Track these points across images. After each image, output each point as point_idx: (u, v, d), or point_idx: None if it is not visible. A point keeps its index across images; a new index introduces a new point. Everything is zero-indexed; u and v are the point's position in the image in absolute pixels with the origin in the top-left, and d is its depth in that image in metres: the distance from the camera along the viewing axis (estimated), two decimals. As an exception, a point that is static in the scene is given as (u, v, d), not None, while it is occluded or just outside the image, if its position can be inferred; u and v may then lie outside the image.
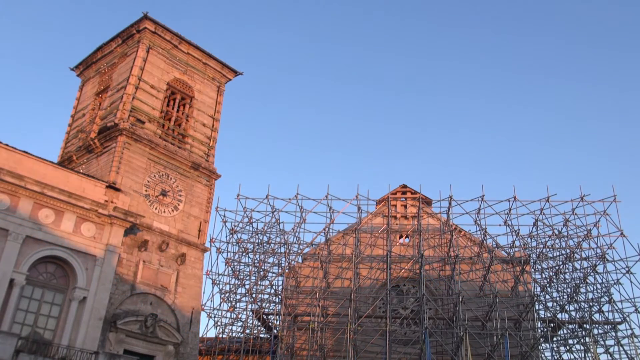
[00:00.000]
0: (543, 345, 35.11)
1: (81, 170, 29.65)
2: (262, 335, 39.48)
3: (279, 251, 37.94)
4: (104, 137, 30.16)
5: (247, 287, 38.08)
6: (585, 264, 34.81)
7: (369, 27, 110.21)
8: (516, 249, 36.39)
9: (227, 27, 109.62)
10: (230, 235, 37.50)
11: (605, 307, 33.54)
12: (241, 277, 38.09)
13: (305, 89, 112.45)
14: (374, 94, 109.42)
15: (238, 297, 38.06)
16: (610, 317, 33.03)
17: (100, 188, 27.03)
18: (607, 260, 33.52)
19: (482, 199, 34.76)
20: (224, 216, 37.24)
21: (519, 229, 35.48)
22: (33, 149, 26.94)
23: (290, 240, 37.12)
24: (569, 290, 35.46)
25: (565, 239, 35.08)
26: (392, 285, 34.99)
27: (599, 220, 34.00)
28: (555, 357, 34.87)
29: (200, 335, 32.74)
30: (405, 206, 40.10)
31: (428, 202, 38.90)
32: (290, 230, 37.33)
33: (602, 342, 33.06)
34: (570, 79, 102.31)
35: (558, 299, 36.18)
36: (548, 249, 36.01)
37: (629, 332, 32.31)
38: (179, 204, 30.94)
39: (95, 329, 24.73)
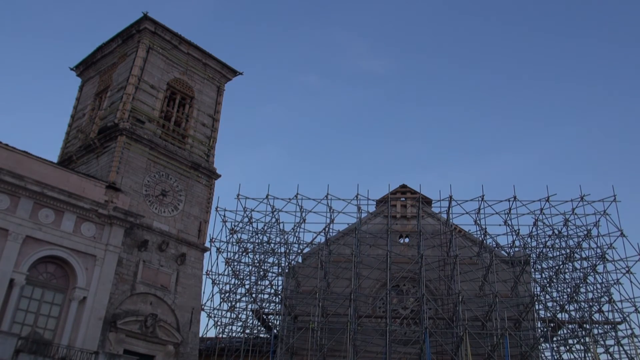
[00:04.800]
0: (543, 345, 35.09)
1: (81, 171, 29.65)
2: (262, 335, 39.48)
3: (279, 251, 37.94)
4: (104, 137, 30.16)
5: (247, 287, 38.08)
6: (585, 264, 34.80)
7: (368, 26, 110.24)
8: (516, 249, 36.37)
9: (227, 27, 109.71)
10: (230, 235, 37.50)
11: (605, 307, 33.54)
12: (241, 277, 38.07)
13: (305, 89, 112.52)
14: (373, 93, 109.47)
15: (238, 297, 38.09)
16: (610, 317, 33.01)
17: (100, 188, 27.04)
18: (607, 260, 33.48)
19: (482, 199, 34.74)
20: (224, 216, 37.24)
21: (519, 229, 35.46)
22: (33, 149, 26.96)
23: (290, 240, 37.12)
24: (569, 290, 35.44)
25: (565, 239, 35.06)
26: (392, 285, 34.96)
27: (599, 220, 33.98)
28: (555, 357, 34.85)
29: (200, 335, 32.74)
30: (405, 206, 40.06)
31: (428, 202, 38.86)
32: (290, 230, 37.31)
33: (602, 342, 33.04)
34: (570, 78, 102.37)
35: (558, 299, 36.16)
36: (548, 249, 35.99)
37: (629, 332, 32.32)
38: (179, 204, 30.94)
39: (95, 328, 24.75)
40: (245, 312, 38.44)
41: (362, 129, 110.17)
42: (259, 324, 39.35)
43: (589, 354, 32.17)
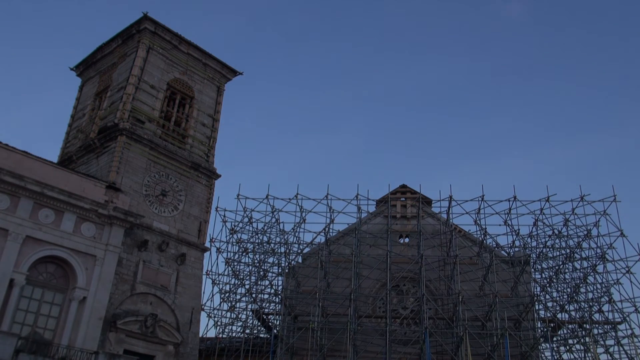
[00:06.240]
0: (543, 345, 35.07)
1: (81, 171, 29.65)
2: (262, 335, 39.47)
3: (279, 251, 37.91)
4: (104, 137, 30.17)
5: (247, 287, 38.07)
6: (585, 264, 34.77)
7: (367, 26, 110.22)
8: (516, 249, 36.35)
9: (227, 27, 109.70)
10: (230, 235, 37.45)
11: (605, 307, 33.50)
12: (241, 277, 38.04)
13: (306, 89, 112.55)
14: (373, 93, 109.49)
15: (238, 297, 38.07)
16: (610, 317, 32.99)
17: (100, 188, 27.05)
18: (607, 260, 33.45)
19: (482, 199, 34.70)
20: (224, 216, 37.18)
21: (519, 229, 35.42)
22: (33, 149, 26.97)
23: (290, 240, 37.09)
24: (569, 290, 35.42)
25: (565, 239, 35.01)
26: (392, 285, 34.94)
27: (599, 220, 33.93)
28: (555, 357, 34.84)
29: (200, 335, 32.73)
30: (405, 206, 40.04)
31: (428, 202, 38.83)
32: (290, 230, 37.26)
33: (602, 342, 33.03)
34: (570, 78, 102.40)
35: (558, 299, 36.14)
36: (548, 249, 35.96)
37: (629, 332, 32.29)
38: (178, 204, 30.94)
39: (95, 328, 24.76)
40: (245, 312, 38.46)
41: (361, 128, 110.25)
42: (259, 324, 39.33)
43: (589, 354, 32.15)
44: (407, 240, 39.11)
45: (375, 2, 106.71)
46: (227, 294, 37.49)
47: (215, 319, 36.97)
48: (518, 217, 35.18)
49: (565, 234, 34.85)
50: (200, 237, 31.45)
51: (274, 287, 38.83)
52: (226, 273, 37.57)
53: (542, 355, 34.80)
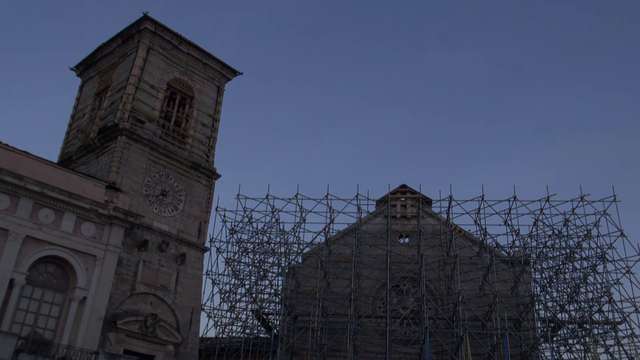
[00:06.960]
0: (543, 345, 35.09)
1: (81, 171, 29.66)
2: (262, 335, 39.48)
3: (279, 251, 37.92)
4: (104, 137, 30.18)
5: (247, 287, 38.09)
6: (585, 263, 34.80)
7: (367, 26, 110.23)
8: (516, 249, 36.37)
9: (227, 27, 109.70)
10: (230, 235, 37.49)
11: (605, 307, 33.53)
12: (241, 277, 38.08)
13: (305, 89, 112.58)
14: (373, 93, 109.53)
15: (238, 297, 38.09)
16: (610, 317, 33.01)
17: (100, 188, 27.05)
18: (607, 260, 33.48)
19: (482, 199, 34.72)
20: (224, 216, 37.21)
21: (519, 229, 35.46)
22: (33, 149, 26.96)
23: (290, 240, 37.12)
24: (569, 290, 35.45)
25: (565, 238, 35.05)
26: (392, 285, 34.95)
27: (599, 220, 33.97)
28: (555, 357, 34.86)
29: (200, 335, 32.74)
30: (405, 206, 40.04)
31: (428, 202, 38.83)
32: (290, 230, 37.29)
33: (602, 342, 33.05)
34: (570, 78, 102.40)
35: (558, 299, 36.16)
36: (548, 249, 35.98)
37: (629, 332, 32.31)
38: (178, 204, 30.95)
39: (95, 328, 24.76)
40: (245, 312, 38.47)
41: (361, 128, 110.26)
42: (259, 324, 39.34)
43: (589, 354, 32.17)
44: (407, 240, 39.11)
45: (372, 4, 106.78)
46: (227, 294, 37.52)
47: (215, 319, 37.01)
48: (518, 217, 35.26)
49: (565, 234, 34.91)
50: (200, 237, 31.45)
51: (274, 287, 38.89)
52: (226, 273, 37.63)
53: (542, 355, 34.81)
